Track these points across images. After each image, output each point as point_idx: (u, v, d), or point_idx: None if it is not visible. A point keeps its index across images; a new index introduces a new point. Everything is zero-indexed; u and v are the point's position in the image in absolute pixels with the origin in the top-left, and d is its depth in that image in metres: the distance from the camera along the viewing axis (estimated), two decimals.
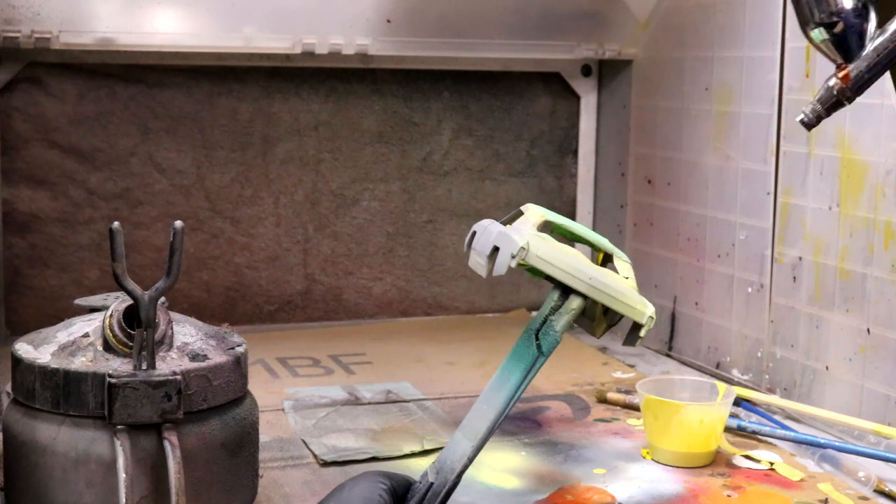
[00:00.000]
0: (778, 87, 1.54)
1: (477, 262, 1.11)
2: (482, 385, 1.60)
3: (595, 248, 1.20)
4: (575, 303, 1.07)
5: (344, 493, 0.91)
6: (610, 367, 1.71)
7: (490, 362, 1.73)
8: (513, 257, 1.02)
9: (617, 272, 1.13)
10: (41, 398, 1.04)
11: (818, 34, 0.86)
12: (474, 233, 1.16)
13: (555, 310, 1.07)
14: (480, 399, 1.03)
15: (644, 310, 1.08)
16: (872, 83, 0.83)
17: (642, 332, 1.09)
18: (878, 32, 0.85)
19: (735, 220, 1.64)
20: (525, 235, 1.06)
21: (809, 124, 0.86)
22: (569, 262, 1.07)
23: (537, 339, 1.03)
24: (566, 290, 1.07)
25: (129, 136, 1.81)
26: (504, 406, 1.03)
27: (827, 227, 1.46)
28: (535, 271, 1.10)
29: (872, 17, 0.85)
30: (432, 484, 1.00)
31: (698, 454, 1.31)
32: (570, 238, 1.21)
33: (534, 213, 1.16)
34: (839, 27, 0.85)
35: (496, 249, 1.08)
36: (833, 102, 0.84)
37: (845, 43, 0.85)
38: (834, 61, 0.86)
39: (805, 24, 0.87)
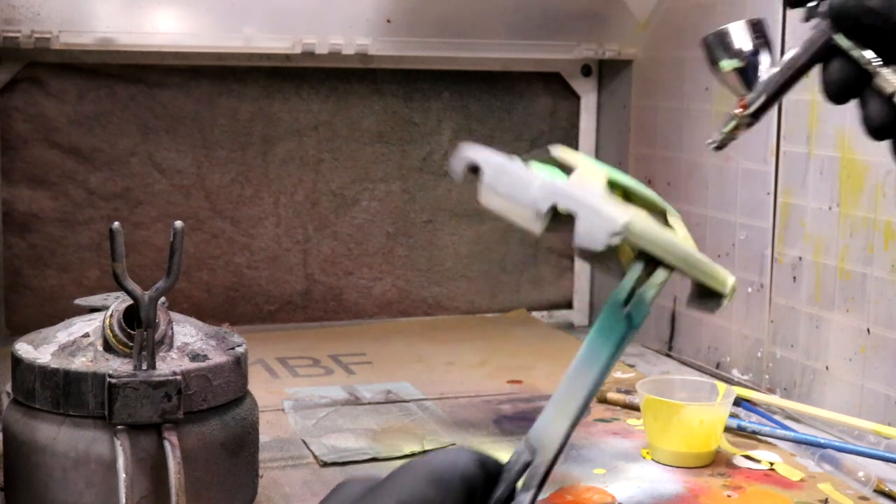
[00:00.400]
0: None
1: (514, 209, 1.03)
2: (482, 385, 1.61)
3: (651, 208, 1.18)
4: (662, 276, 1.05)
5: (431, 455, 0.90)
6: None
7: (490, 362, 1.73)
8: (615, 235, 0.97)
9: (674, 230, 1.12)
10: (41, 398, 1.04)
11: (727, 64, 1.00)
12: (476, 166, 1.08)
13: (641, 281, 1.05)
14: (569, 376, 1.00)
15: (727, 280, 1.07)
16: (767, 110, 0.96)
17: (725, 302, 1.07)
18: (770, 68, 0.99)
19: (735, 220, 1.64)
20: (617, 208, 1.00)
21: (720, 146, 0.97)
22: (660, 235, 1.05)
23: (626, 311, 1.01)
24: (651, 261, 1.05)
25: (129, 136, 1.81)
26: (596, 382, 1.01)
27: (827, 227, 1.46)
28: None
29: (766, 56, 0.99)
30: (529, 462, 0.98)
31: (698, 454, 1.31)
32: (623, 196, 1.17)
33: (591, 170, 1.08)
34: (743, 63, 1.00)
35: (556, 212, 1.01)
36: (733, 127, 0.98)
37: (746, 76, 1.00)
38: (735, 93, 1.00)
39: (713, 63, 1.02)
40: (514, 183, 1.09)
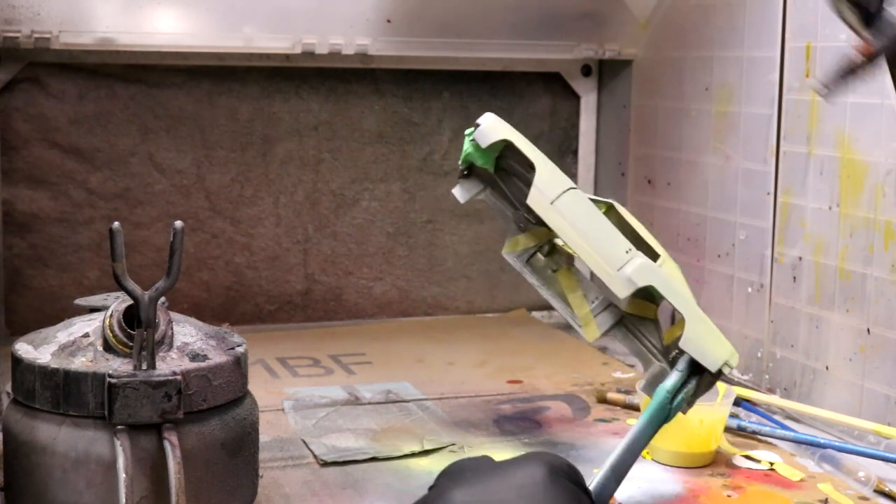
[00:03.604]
0: (778, 87, 1.54)
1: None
2: (482, 385, 1.61)
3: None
4: (703, 384, 1.21)
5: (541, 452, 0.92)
6: (610, 367, 1.71)
7: (490, 362, 1.73)
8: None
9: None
10: (41, 398, 1.04)
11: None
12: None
13: (684, 384, 1.19)
14: (624, 449, 1.14)
15: (731, 360, 1.23)
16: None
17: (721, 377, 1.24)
18: None
19: (735, 220, 1.64)
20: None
21: (823, 93, 0.93)
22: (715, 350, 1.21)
23: (671, 407, 1.17)
24: (696, 369, 1.20)
25: (129, 136, 1.81)
26: (638, 454, 1.16)
27: (827, 227, 1.46)
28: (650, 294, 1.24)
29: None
30: None
31: (698, 454, 1.31)
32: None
33: (671, 265, 1.30)
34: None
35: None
36: (850, 69, 0.93)
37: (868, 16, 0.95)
38: (858, 33, 0.95)
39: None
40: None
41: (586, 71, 2.01)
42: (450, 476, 0.79)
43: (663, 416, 1.16)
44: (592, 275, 1.24)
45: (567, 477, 0.83)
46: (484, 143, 1.26)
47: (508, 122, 2.09)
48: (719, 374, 1.18)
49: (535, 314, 2.04)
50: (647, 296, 1.25)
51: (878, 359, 1.38)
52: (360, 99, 1.93)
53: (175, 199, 1.85)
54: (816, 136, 1.47)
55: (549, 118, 2.03)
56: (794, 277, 1.52)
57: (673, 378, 1.17)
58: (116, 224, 1.01)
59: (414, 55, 1.86)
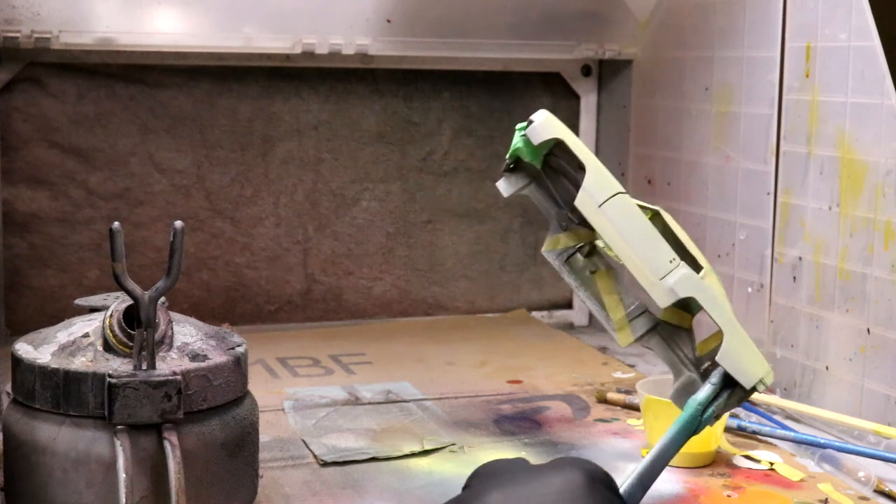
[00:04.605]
0: (778, 87, 1.54)
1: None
2: (482, 385, 1.61)
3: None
4: (734, 399, 1.21)
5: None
6: (610, 367, 1.71)
7: (490, 362, 1.73)
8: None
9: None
10: (41, 398, 1.04)
11: None
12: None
13: (716, 397, 1.20)
14: (652, 457, 1.16)
15: (766, 376, 1.23)
16: None
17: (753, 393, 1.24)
18: None
19: (735, 220, 1.64)
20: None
21: None
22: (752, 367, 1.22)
23: (701, 419, 1.19)
24: (730, 382, 1.21)
25: (129, 136, 1.81)
26: (667, 463, 1.17)
27: (827, 227, 1.46)
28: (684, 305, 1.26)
29: None
30: None
31: (698, 454, 1.31)
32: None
33: (713, 276, 1.27)
34: None
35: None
36: None
37: None
38: None
39: None
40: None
41: (586, 71, 2.01)
42: (484, 477, 0.78)
43: (693, 427, 1.17)
44: (632, 279, 1.25)
45: (604, 484, 0.83)
46: (536, 140, 1.25)
47: (508, 121, 2.10)
48: (752, 391, 1.18)
49: (535, 314, 2.04)
50: (685, 305, 1.25)
51: (878, 359, 1.38)
52: (360, 99, 1.93)
53: (175, 199, 1.85)
54: (816, 136, 1.47)
55: None
56: (794, 277, 1.52)
57: (706, 391, 1.18)
58: (116, 224, 1.01)
59: (414, 55, 1.86)
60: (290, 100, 1.89)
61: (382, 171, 1.96)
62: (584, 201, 1.21)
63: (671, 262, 1.19)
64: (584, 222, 1.26)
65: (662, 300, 1.19)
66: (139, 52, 1.75)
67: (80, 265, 1.81)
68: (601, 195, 1.21)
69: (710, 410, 1.17)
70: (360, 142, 1.94)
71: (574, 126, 2.04)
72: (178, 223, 1.02)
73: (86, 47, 1.70)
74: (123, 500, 0.97)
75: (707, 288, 1.20)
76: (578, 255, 1.30)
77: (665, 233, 1.23)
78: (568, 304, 2.07)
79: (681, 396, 1.22)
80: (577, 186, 1.23)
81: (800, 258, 1.51)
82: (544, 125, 1.25)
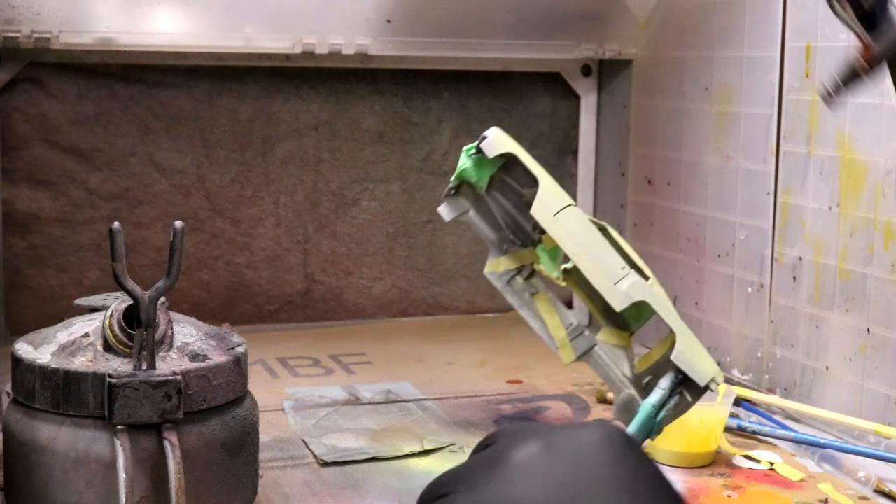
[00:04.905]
0: (778, 87, 1.54)
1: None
2: (482, 385, 1.61)
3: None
4: (684, 402, 1.27)
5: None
6: None
7: (490, 362, 1.73)
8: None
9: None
10: (41, 398, 1.04)
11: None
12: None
13: (667, 400, 1.26)
14: None
15: (716, 377, 1.28)
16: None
17: (705, 393, 1.30)
18: None
19: (735, 220, 1.64)
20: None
21: (828, 101, 0.91)
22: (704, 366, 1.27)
23: (655, 422, 1.24)
24: (685, 378, 1.26)
25: (129, 136, 1.81)
26: None
27: (827, 227, 1.46)
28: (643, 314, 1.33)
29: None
30: None
31: (698, 454, 1.31)
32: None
33: (656, 282, 1.32)
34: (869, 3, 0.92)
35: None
36: (852, 74, 0.90)
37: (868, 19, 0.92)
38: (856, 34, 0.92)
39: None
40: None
41: (586, 71, 2.01)
42: (511, 432, 0.77)
43: (648, 429, 1.22)
44: (569, 304, 1.32)
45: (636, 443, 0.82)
46: (491, 154, 1.30)
47: (508, 121, 2.12)
48: (704, 390, 1.23)
49: (653, 396, 2.03)
50: (624, 324, 1.33)
51: (878, 359, 1.38)
52: (360, 99, 1.93)
53: (175, 199, 1.85)
54: (816, 136, 1.47)
55: (549, 118, 2.03)
56: (794, 277, 1.52)
57: (657, 394, 1.23)
58: (116, 224, 1.01)
59: (414, 55, 1.86)
60: (290, 100, 1.89)
61: (382, 171, 1.96)
62: (540, 210, 1.28)
63: (622, 269, 1.26)
64: (524, 244, 1.36)
65: (618, 304, 1.25)
66: (139, 52, 1.75)
67: (80, 265, 1.81)
68: (555, 206, 1.28)
69: (662, 413, 1.22)
70: (360, 142, 1.94)
71: (574, 126, 2.04)
72: (178, 223, 1.02)
73: (86, 47, 1.70)
74: (123, 500, 0.97)
75: (657, 294, 1.26)
76: (518, 278, 1.37)
77: (612, 245, 1.29)
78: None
79: (622, 413, 1.29)
80: (524, 204, 1.31)
81: (800, 258, 1.51)
82: (499, 139, 1.31)
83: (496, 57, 1.92)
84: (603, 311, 1.38)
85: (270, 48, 1.78)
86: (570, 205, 1.28)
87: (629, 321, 1.34)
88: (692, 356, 1.22)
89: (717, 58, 1.68)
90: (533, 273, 1.39)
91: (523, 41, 1.87)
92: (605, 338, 1.34)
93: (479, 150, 1.33)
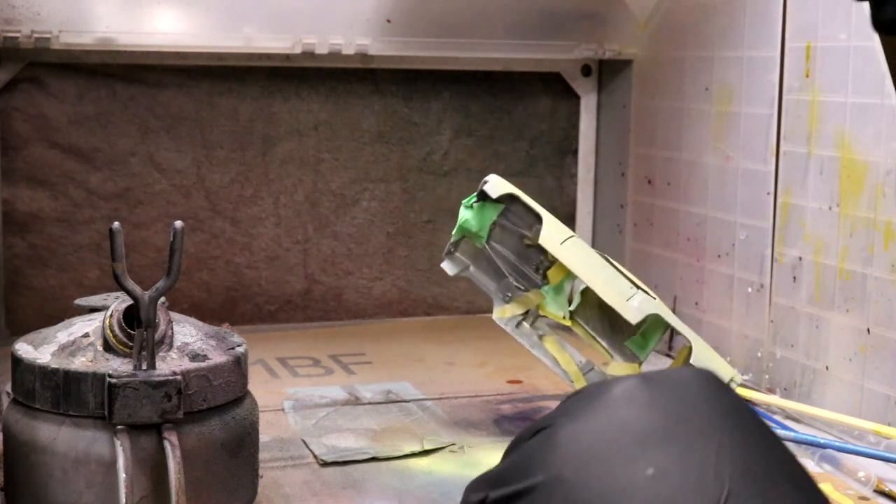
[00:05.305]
0: (778, 87, 1.54)
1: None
2: (482, 385, 1.61)
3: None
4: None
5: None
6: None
7: (490, 362, 1.73)
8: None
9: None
10: (41, 398, 1.04)
11: None
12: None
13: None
14: None
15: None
16: None
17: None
18: None
19: (735, 220, 1.64)
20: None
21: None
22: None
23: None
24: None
25: (129, 136, 1.81)
26: None
27: (827, 227, 1.46)
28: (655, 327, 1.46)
29: None
30: None
31: None
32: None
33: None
34: None
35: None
36: None
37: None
38: None
39: None
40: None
41: (586, 71, 2.00)
42: (595, 386, 0.77)
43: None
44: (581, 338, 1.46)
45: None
46: (494, 194, 1.39)
47: (508, 121, 2.13)
48: None
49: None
50: (632, 357, 1.45)
51: (878, 359, 1.38)
52: (360, 99, 1.93)
53: (175, 199, 1.85)
54: (816, 136, 1.47)
55: (549, 118, 2.03)
56: (794, 277, 1.52)
57: None
58: (116, 224, 1.01)
59: (414, 55, 1.86)
60: (290, 100, 1.89)
61: (382, 171, 1.96)
62: (548, 239, 1.37)
63: (630, 288, 1.36)
64: (528, 288, 1.44)
65: (633, 318, 1.35)
66: (139, 52, 1.75)
67: (80, 265, 1.81)
68: (560, 237, 1.38)
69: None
70: (360, 142, 1.94)
71: (574, 126, 2.04)
72: (178, 223, 1.02)
73: (86, 47, 1.70)
74: (123, 500, 0.97)
75: (665, 309, 1.38)
76: (525, 324, 1.45)
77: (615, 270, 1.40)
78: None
79: None
80: (526, 246, 1.41)
81: (800, 258, 1.51)
82: (499, 181, 1.41)
83: (496, 57, 1.92)
84: (611, 346, 1.46)
85: (270, 48, 1.78)
86: (572, 236, 1.38)
87: (636, 351, 1.44)
88: (710, 360, 1.31)
89: (717, 58, 1.68)
90: (537, 318, 1.46)
91: (523, 41, 1.87)
92: (615, 371, 1.43)
93: (479, 197, 1.40)
